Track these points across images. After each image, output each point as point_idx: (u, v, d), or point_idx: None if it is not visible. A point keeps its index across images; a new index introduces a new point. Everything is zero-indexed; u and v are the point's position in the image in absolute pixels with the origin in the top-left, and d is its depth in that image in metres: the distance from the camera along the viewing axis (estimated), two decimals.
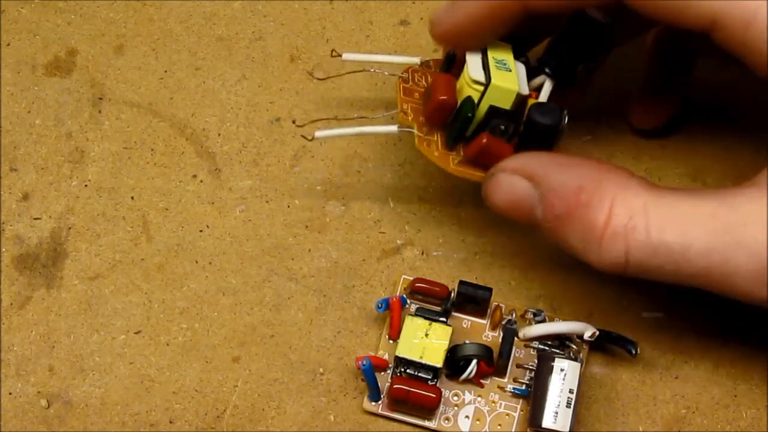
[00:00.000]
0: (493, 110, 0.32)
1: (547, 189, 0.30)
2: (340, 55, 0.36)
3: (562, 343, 0.35)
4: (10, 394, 0.35)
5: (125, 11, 0.40)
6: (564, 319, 0.36)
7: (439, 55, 0.35)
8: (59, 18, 0.40)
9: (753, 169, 0.38)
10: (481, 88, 0.33)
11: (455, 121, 0.33)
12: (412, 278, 0.36)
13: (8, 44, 0.40)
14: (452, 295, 0.35)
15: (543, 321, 0.36)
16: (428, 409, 0.34)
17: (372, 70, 0.36)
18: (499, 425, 0.35)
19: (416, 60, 0.35)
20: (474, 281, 0.36)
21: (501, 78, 0.33)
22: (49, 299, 0.36)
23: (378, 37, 0.40)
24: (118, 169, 0.38)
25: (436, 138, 0.34)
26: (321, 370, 0.36)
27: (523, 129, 0.33)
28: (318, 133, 0.34)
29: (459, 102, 0.33)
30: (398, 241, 0.38)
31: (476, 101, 0.33)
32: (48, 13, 0.40)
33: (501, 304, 0.36)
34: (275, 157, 0.39)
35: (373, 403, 0.35)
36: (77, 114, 0.39)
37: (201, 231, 0.38)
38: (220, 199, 0.38)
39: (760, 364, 0.36)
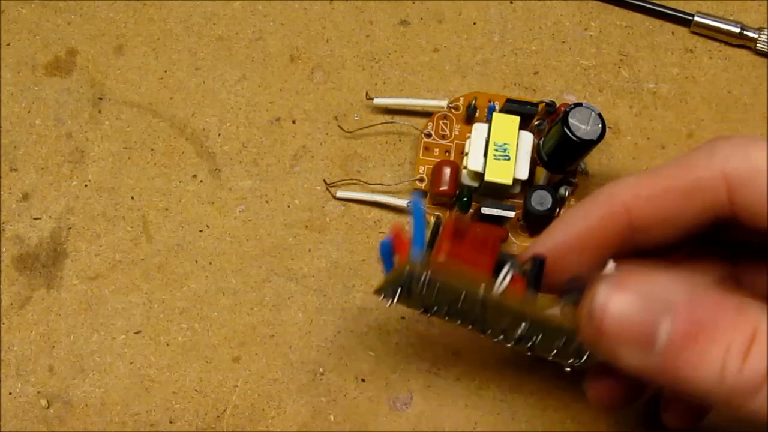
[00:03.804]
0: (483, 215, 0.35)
1: None
2: (372, 99, 0.39)
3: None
4: (10, 394, 0.35)
5: (125, 11, 0.40)
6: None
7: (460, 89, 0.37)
8: (59, 18, 0.40)
9: None
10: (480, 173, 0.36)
11: (456, 204, 0.37)
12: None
13: (8, 44, 0.40)
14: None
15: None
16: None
17: (396, 122, 0.39)
18: None
19: (443, 103, 0.38)
20: None
21: (495, 170, 0.35)
22: (49, 299, 0.37)
23: (378, 37, 0.40)
24: (118, 169, 0.38)
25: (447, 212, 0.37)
26: (321, 370, 0.36)
27: (522, 213, 0.37)
28: (339, 193, 0.38)
29: (461, 184, 0.36)
30: None
31: (478, 183, 0.36)
32: (48, 13, 0.40)
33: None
34: (275, 157, 0.39)
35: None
36: (77, 114, 0.39)
37: (201, 231, 0.38)
38: (220, 199, 0.38)
39: None
